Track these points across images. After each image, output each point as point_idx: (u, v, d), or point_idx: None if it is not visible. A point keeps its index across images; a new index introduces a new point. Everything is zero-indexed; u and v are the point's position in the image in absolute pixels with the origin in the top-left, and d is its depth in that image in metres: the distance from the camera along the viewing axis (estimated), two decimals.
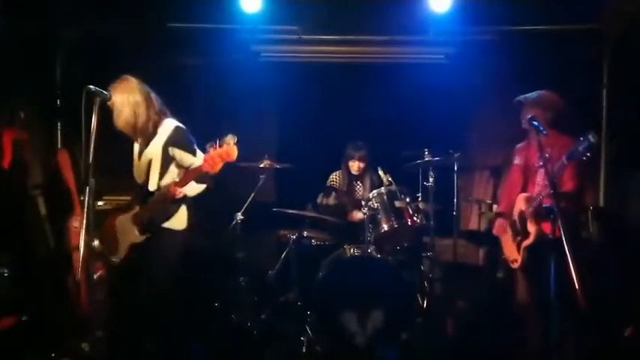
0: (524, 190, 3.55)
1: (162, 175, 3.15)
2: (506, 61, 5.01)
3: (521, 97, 3.54)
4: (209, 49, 4.93)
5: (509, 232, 3.56)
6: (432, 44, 4.94)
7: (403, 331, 3.74)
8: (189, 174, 3.02)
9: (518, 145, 3.72)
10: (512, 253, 3.48)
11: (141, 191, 3.18)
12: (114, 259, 3.19)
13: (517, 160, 3.68)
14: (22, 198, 4.11)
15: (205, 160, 2.85)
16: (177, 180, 3.06)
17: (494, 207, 4.86)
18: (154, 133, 3.14)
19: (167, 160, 3.14)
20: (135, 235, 3.15)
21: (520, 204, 3.45)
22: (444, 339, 4.05)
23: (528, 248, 3.34)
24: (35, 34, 4.23)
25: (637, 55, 4.31)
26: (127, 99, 3.03)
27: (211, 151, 2.82)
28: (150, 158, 3.15)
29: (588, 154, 2.86)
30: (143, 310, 3.21)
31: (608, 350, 3.39)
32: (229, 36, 4.79)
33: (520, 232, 3.44)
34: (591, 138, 2.79)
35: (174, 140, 3.12)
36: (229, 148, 2.80)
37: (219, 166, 2.83)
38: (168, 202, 3.08)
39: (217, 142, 2.82)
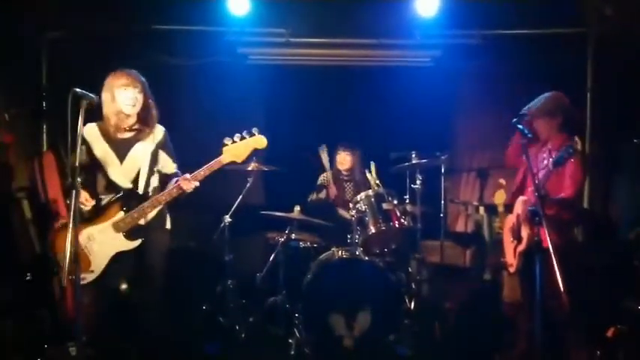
0: (522, 192, 3.43)
1: (150, 178, 3.13)
2: (492, 64, 5.07)
3: (525, 108, 3.31)
4: (197, 52, 4.92)
5: (509, 235, 3.45)
6: (419, 47, 4.98)
7: (391, 332, 3.76)
8: (209, 167, 3.01)
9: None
10: (510, 257, 3.41)
11: (127, 195, 3.06)
12: (86, 277, 2.95)
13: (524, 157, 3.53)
14: (6, 201, 4.06)
15: (227, 151, 2.99)
16: (188, 177, 2.99)
17: (481, 209, 4.91)
18: (150, 132, 3.12)
19: (154, 164, 3.15)
20: (121, 243, 3.01)
21: (518, 207, 3.34)
22: (432, 340, 4.07)
23: (523, 253, 3.25)
24: (20, 34, 4.19)
25: (620, 58, 4.39)
26: (137, 82, 3.04)
27: (238, 141, 3.00)
28: (139, 160, 3.09)
29: (572, 160, 2.90)
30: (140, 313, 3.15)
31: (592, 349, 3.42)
32: (217, 38, 4.79)
33: (516, 237, 3.35)
34: (575, 145, 2.81)
35: (164, 144, 3.17)
36: (258, 137, 3.05)
37: (247, 154, 3.03)
38: (171, 199, 3.03)
39: (243, 133, 3.02)
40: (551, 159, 3.15)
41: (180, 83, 5.06)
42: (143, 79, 3.11)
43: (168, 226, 3.25)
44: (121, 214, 3.03)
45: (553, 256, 2.52)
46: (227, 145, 3.00)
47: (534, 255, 2.74)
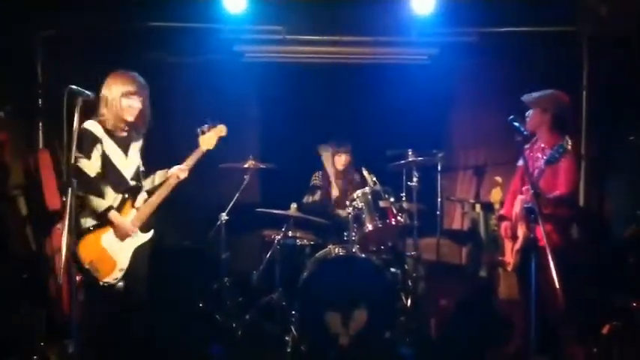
0: (518, 194, 3.43)
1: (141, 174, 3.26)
2: (489, 62, 5.08)
3: (526, 95, 3.40)
4: (193, 49, 4.92)
5: (509, 235, 3.46)
6: (415, 45, 4.97)
7: (387, 329, 3.77)
8: (194, 156, 3.29)
9: (525, 147, 3.50)
10: (508, 256, 3.43)
11: (133, 191, 3.18)
12: (112, 280, 3.06)
13: (520, 162, 3.52)
14: (2, 199, 4.05)
15: (203, 141, 3.32)
16: (181, 167, 3.24)
17: (477, 206, 4.92)
18: (139, 134, 3.24)
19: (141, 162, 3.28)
20: (138, 237, 3.16)
21: (516, 206, 3.36)
22: (428, 337, 4.09)
23: (519, 251, 3.27)
24: (16, 32, 4.17)
25: (615, 57, 4.40)
26: (143, 92, 3.12)
27: (207, 131, 3.35)
28: (137, 158, 3.23)
29: (565, 158, 2.93)
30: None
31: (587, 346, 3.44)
32: (213, 36, 4.78)
33: (513, 235, 3.38)
34: (565, 144, 2.83)
35: (143, 146, 3.30)
36: (221, 126, 3.41)
37: (215, 142, 3.36)
38: (173, 189, 3.22)
39: (208, 124, 3.38)
40: (545, 157, 3.16)
41: (176, 81, 5.06)
42: (147, 86, 3.17)
43: None
44: (134, 211, 3.15)
45: (549, 253, 2.53)
46: (200, 136, 3.34)
47: (530, 252, 2.76)
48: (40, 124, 4.53)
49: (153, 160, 3.36)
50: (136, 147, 3.23)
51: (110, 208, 3.06)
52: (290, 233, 4.32)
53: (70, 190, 2.58)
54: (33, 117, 4.51)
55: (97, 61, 4.26)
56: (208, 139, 3.33)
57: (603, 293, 3.75)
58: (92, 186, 3.02)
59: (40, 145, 4.48)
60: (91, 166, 3.04)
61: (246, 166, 4.28)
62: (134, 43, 4.67)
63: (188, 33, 4.70)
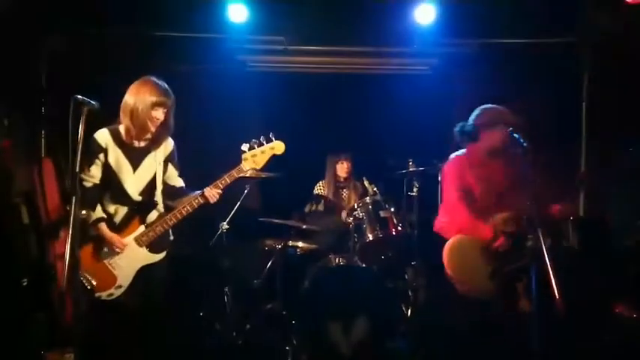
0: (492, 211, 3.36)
1: (159, 189, 3.11)
2: (490, 72, 5.10)
3: (477, 118, 3.52)
4: (195, 59, 4.94)
5: (481, 261, 3.36)
6: (417, 55, 5.02)
7: (387, 339, 3.77)
8: (231, 176, 3.01)
9: (452, 163, 3.61)
10: (483, 284, 3.35)
11: (142, 207, 3.04)
12: (114, 292, 3.00)
13: (474, 182, 3.50)
14: (4, 206, 4.06)
15: (245, 159, 2.98)
16: (212, 188, 2.99)
17: None
18: (160, 143, 3.06)
19: (163, 175, 3.12)
20: (146, 256, 3.03)
21: (499, 226, 3.29)
22: (428, 347, 4.08)
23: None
24: (19, 40, 4.21)
25: (615, 68, 4.43)
26: (170, 102, 2.98)
27: (256, 147, 2.98)
28: (151, 171, 3.07)
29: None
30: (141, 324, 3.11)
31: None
32: (216, 45, 4.82)
33: (500, 256, 3.30)
34: None
35: (173, 156, 3.14)
36: (276, 143, 3.01)
37: (265, 161, 3.01)
38: (194, 209, 3.00)
39: (260, 139, 3.00)
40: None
41: (178, 89, 5.06)
42: (172, 95, 3.03)
43: (171, 237, 3.24)
44: (142, 228, 3.03)
45: (548, 263, 2.54)
46: (245, 152, 3.00)
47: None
48: (43, 132, 4.55)
49: None
50: (154, 159, 3.06)
51: (100, 220, 2.95)
52: (291, 242, 4.33)
53: (74, 199, 2.58)
54: (36, 125, 4.53)
55: (102, 70, 4.28)
56: (255, 157, 3.00)
57: (604, 304, 3.76)
58: (85, 197, 2.89)
59: (43, 154, 4.51)
60: (90, 176, 2.97)
61: (247, 175, 4.29)
62: (138, 52, 4.71)
63: (192, 42, 4.74)
